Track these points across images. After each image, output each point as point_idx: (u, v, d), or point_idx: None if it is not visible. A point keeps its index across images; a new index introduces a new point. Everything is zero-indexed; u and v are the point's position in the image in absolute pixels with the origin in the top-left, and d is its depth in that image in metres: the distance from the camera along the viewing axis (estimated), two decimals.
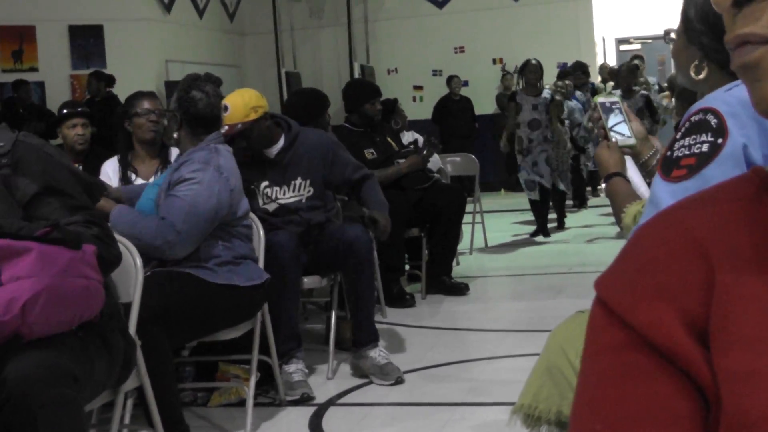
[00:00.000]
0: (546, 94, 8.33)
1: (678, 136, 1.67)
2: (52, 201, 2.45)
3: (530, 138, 8.26)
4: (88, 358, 2.36)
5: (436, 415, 3.77)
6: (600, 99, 2.25)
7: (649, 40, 15.03)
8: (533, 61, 8.29)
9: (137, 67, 12.13)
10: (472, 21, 14.24)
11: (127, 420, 3.30)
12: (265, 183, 4.40)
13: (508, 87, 12.70)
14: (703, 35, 1.80)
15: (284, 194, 4.44)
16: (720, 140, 1.56)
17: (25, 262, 2.21)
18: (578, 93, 10.30)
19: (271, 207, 4.38)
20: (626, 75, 8.78)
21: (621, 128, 2.20)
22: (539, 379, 2.35)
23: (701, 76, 1.82)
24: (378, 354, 4.26)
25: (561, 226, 9.07)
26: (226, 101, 4.20)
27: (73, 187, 2.53)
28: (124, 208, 3.61)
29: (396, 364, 4.26)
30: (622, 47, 15.49)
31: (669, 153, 1.66)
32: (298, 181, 4.44)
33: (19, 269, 2.20)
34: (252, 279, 3.62)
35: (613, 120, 2.21)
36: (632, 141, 2.17)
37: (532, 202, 8.55)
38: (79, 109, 5.05)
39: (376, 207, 4.49)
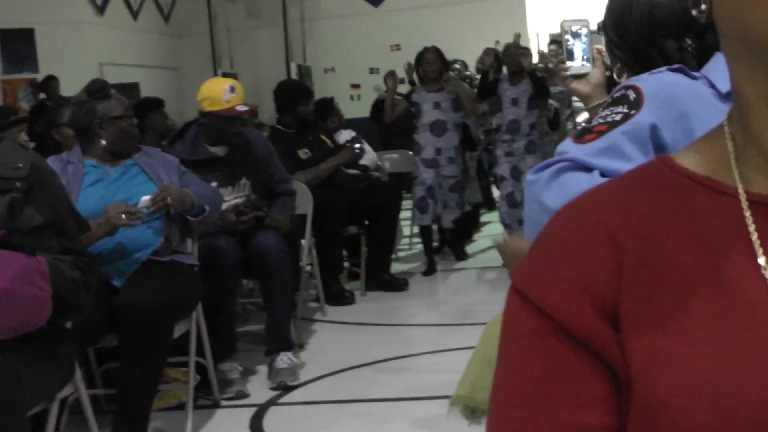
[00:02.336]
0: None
1: (600, 110, 1.71)
2: (51, 238, 2.42)
3: (437, 147, 6.61)
4: (32, 361, 2.34)
5: (377, 411, 3.77)
6: (567, 21, 2.09)
7: None
8: (430, 49, 6.79)
9: (71, 71, 11.90)
10: (407, 19, 14.28)
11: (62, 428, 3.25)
12: (214, 183, 4.27)
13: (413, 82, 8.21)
14: (616, 47, 1.84)
15: (229, 194, 4.41)
16: (633, 111, 1.60)
17: None
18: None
19: None
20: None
21: (579, 56, 2.03)
22: (476, 370, 2.36)
23: (622, 80, 1.87)
24: (280, 360, 4.23)
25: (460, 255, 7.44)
26: (231, 83, 4.44)
27: (71, 226, 2.51)
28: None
29: (297, 372, 4.23)
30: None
31: (586, 124, 1.70)
32: (243, 181, 4.42)
33: None
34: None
35: (574, 45, 2.04)
36: (587, 68, 2.00)
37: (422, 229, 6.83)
38: (22, 116, 5.06)
39: (278, 210, 4.55)
